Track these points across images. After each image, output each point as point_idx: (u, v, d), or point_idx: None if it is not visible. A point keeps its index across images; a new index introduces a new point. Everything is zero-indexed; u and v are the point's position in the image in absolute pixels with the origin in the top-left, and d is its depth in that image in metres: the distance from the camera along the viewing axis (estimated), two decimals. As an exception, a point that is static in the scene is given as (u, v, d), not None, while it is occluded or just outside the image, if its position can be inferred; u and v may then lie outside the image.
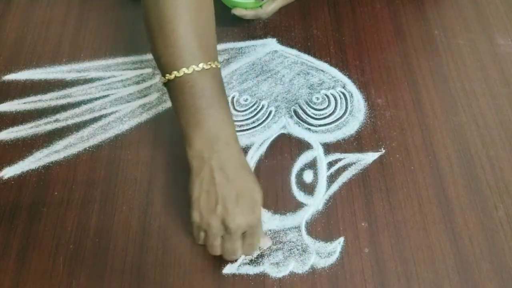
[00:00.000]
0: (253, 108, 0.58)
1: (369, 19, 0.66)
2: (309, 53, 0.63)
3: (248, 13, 0.58)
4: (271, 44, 0.64)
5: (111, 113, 0.58)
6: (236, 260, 0.48)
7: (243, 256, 0.48)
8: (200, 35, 0.43)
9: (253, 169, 0.54)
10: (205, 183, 0.42)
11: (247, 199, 0.42)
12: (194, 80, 0.42)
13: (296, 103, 0.59)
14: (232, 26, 0.65)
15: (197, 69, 0.42)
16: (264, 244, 0.48)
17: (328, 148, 0.55)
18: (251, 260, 0.48)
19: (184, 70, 0.42)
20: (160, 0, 0.43)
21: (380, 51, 0.63)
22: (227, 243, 0.43)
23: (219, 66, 0.44)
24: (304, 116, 0.58)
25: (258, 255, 0.48)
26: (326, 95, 0.59)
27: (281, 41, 0.64)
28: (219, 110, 0.43)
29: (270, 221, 0.51)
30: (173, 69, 0.42)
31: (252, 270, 0.48)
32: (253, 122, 0.57)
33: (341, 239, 0.49)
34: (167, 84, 0.44)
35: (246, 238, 0.43)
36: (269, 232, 0.50)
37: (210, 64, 0.43)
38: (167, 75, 0.43)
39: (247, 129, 0.57)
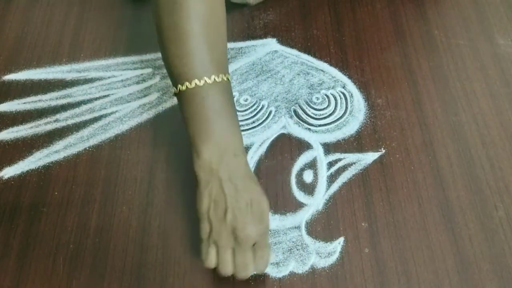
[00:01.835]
0: (253, 108, 0.58)
1: (369, 19, 0.66)
2: (309, 53, 0.63)
3: None
4: (271, 44, 0.64)
5: (111, 113, 0.58)
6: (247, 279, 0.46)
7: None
8: (212, 48, 0.44)
9: (253, 169, 0.54)
10: (214, 194, 0.42)
11: (255, 209, 0.42)
12: (206, 92, 0.43)
13: (296, 103, 0.59)
14: (232, 26, 0.65)
15: (208, 81, 0.42)
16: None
17: (328, 148, 0.55)
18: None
19: (196, 81, 0.42)
20: (174, 11, 0.43)
21: (380, 51, 0.63)
22: (238, 256, 0.43)
23: (229, 79, 0.45)
24: (304, 116, 0.58)
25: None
26: (326, 95, 0.59)
27: (281, 41, 0.64)
28: (228, 121, 0.43)
29: (270, 221, 0.51)
30: (185, 80, 0.43)
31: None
32: (253, 122, 0.57)
33: (341, 239, 0.49)
34: (178, 94, 0.45)
35: (256, 250, 0.43)
36: (269, 232, 0.50)
37: (221, 77, 0.43)
38: (179, 85, 0.43)
39: (247, 129, 0.57)
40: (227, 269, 0.43)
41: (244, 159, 0.44)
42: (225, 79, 0.44)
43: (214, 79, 0.43)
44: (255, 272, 0.45)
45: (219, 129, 0.43)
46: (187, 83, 0.43)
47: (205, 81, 0.42)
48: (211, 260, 0.43)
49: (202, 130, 0.43)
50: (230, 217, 0.41)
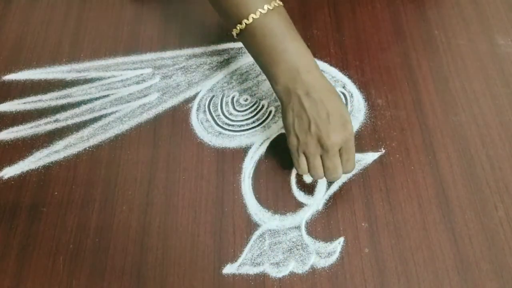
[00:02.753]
0: (253, 108, 0.58)
1: (369, 19, 0.66)
2: (309, 53, 0.63)
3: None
4: (271, 44, 0.64)
5: (111, 113, 0.58)
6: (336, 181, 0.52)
7: (245, 252, 0.48)
8: None
9: (253, 169, 0.54)
10: (296, 110, 0.46)
11: (337, 117, 0.45)
12: (264, 22, 0.46)
13: (296, 103, 0.58)
14: (232, 26, 0.64)
15: (263, 11, 0.45)
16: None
17: (328, 148, 0.55)
18: (251, 260, 0.48)
19: (252, 16, 0.46)
20: None
21: (380, 51, 0.63)
22: (327, 161, 0.47)
23: (281, 4, 0.48)
24: (304, 116, 0.57)
25: (258, 254, 0.49)
26: (326, 95, 0.59)
27: (281, 41, 0.64)
28: (293, 43, 0.46)
29: (270, 221, 0.51)
30: (242, 18, 0.46)
31: (252, 270, 0.48)
32: (253, 122, 0.57)
33: (341, 239, 0.49)
34: (240, 35, 0.48)
35: (342, 154, 0.47)
36: (269, 232, 0.50)
37: (273, 4, 0.46)
38: (239, 25, 0.47)
39: (247, 129, 0.57)
40: (319, 174, 0.48)
41: (318, 73, 0.47)
42: (277, 4, 0.47)
43: (268, 8, 0.46)
44: (345, 173, 0.49)
45: (286, 52, 0.46)
46: (245, 20, 0.46)
47: (260, 12, 0.45)
48: (303, 168, 0.48)
49: (272, 58, 0.46)
50: (314, 128, 0.45)
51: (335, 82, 0.60)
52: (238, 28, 0.47)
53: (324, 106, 0.45)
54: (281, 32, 0.46)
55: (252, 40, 0.47)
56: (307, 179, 0.53)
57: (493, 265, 0.48)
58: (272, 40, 0.46)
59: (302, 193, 0.52)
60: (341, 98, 0.47)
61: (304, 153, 0.47)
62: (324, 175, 0.48)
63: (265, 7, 0.45)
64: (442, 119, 0.57)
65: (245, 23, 0.46)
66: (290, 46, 0.46)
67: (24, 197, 0.52)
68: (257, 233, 0.50)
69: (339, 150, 0.47)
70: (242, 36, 0.48)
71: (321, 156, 0.47)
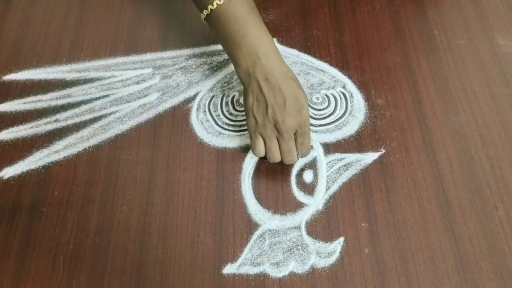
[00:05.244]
0: (253, 108, 0.58)
1: (369, 19, 0.66)
2: (309, 53, 0.63)
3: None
4: (271, 44, 0.64)
5: (111, 113, 0.58)
6: (293, 165, 0.54)
7: (245, 252, 0.48)
8: None
9: (253, 169, 0.54)
10: (255, 94, 0.49)
11: (293, 103, 0.48)
12: (227, 8, 0.49)
13: (296, 103, 0.58)
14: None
15: None
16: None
17: (328, 148, 0.55)
18: (251, 260, 0.48)
19: (216, 2, 0.49)
20: None
21: (380, 51, 0.63)
22: (282, 145, 0.50)
23: None
24: (304, 116, 0.57)
25: (258, 254, 0.49)
26: (326, 95, 0.59)
27: (281, 41, 0.64)
28: (253, 28, 0.49)
29: (270, 221, 0.51)
30: (208, 4, 0.50)
31: (252, 270, 0.48)
32: (253, 122, 0.57)
33: (341, 239, 0.49)
34: (207, 19, 0.52)
35: (297, 138, 0.50)
36: (269, 232, 0.50)
37: None
38: (205, 10, 0.51)
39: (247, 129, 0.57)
40: (275, 156, 0.51)
41: (277, 58, 0.50)
42: None
43: None
44: (300, 157, 0.52)
45: (247, 37, 0.49)
46: (210, 6, 0.50)
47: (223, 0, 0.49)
48: (258, 150, 0.51)
49: (234, 41, 0.49)
50: (271, 112, 0.48)
51: (335, 82, 0.60)
52: (204, 13, 0.51)
53: (281, 91, 0.48)
54: (243, 17, 0.49)
55: (217, 25, 0.50)
56: (307, 178, 0.53)
57: (493, 265, 0.48)
58: (234, 25, 0.49)
59: (302, 193, 0.52)
60: (299, 83, 0.50)
61: (262, 136, 0.50)
62: (281, 158, 0.51)
63: None
64: (442, 119, 0.57)
65: (210, 9, 0.49)
66: (251, 31, 0.49)
67: (24, 197, 0.52)
68: (257, 233, 0.50)
69: (295, 134, 0.50)
70: (209, 20, 0.51)
71: (277, 139, 0.50)
